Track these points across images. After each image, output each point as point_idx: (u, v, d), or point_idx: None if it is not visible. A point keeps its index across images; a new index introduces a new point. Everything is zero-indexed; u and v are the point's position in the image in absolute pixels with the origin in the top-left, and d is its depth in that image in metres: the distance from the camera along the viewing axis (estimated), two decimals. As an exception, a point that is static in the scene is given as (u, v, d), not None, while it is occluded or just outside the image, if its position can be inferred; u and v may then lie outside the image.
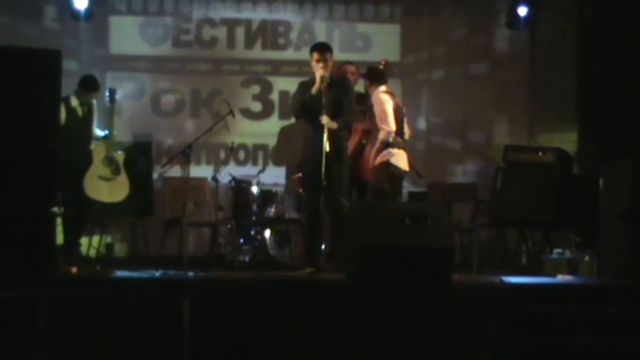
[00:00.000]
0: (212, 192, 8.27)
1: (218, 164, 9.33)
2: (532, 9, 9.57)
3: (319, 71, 7.03)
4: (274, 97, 9.44)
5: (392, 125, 7.10)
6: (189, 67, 9.46)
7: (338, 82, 7.20)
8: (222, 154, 9.34)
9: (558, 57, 9.60)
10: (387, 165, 7.09)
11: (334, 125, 6.95)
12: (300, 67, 9.19)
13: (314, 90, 7.01)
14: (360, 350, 5.79)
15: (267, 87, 9.49)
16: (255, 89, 9.50)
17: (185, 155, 8.24)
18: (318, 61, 7.06)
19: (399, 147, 7.18)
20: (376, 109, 7.21)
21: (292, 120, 9.17)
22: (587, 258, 7.33)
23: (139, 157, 8.59)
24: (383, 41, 9.53)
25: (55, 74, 6.28)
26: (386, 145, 7.09)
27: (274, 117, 9.44)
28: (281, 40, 9.50)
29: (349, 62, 8.07)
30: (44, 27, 9.12)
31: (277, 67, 9.48)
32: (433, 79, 9.68)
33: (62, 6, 9.22)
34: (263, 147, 9.49)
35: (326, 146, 6.83)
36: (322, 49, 7.17)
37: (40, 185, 6.17)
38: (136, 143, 8.82)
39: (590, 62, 9.26)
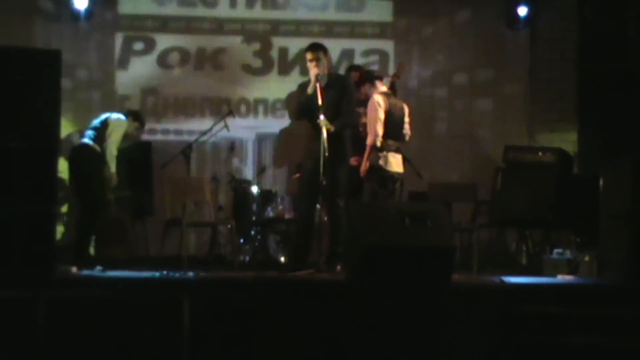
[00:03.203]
0: (212, 192, 8.27)
1: (219, 163, 9.35)
2: (532, 9, 9.57)
3: (312, 70, 7.02)
4: (274, 54, 9.75)
5: (379, 132, 7.06)
6: (194, 25, 9.74)
7: (336, 82, 7.15)
8: (224, 153, 9.35)
9: (558, 57, 9.60)
10: (376, 169, 7.08)
11: (331, 127, 6.93)
12: (297, 26, 9.78)
13: (309, 89, 6.99)
14: (361, 350, 5.79)
15: (266, 45, 9.77)
16: (256, 46, 9.76)
17: (185, 155, 8.24)
18: (311, 60, 7.06)
19: (390, 150, 7.14)
20: (368, 113, 7.20)
21: (290, 121, 9.40)
22: (587, 258, 7.33)
23: (139, 156, 8.61)
24: (376, 3, 9.79)
25: (55, 73, 6.29)
26: (375, 149, 7.08)
27: (274, 73, 9.74)
28: (280, 0, 9.77)
29: (357, 68, 8.01)
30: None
31: (276, 26, 9.78)
32: (431, 77, 9.70)
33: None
34: (263, 101, 9.74)
35: (325, 147, 6.82)
36: (315, 48, 7.16)
37: (40, 185, 6.17)
38: (136, 143, 8.82)
39: (590, 62, 9.26)
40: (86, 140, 7.54)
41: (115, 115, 7.71)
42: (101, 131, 7.59)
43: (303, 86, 7.20)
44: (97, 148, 7.54)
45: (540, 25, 9.67)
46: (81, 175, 7.53)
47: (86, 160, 7.48)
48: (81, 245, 7.43)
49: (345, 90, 7.18)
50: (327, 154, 6.79)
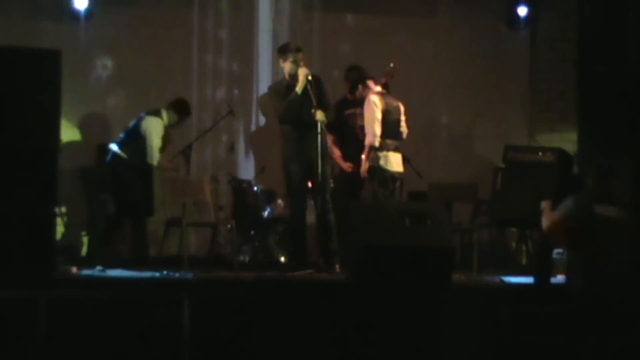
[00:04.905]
0: (212, 192, 8.27)
1: (218, 163, 9.34)
2: (532, 9, 9.57)
3: (301, 70, 7.10)
4: None
5: (377, 132, 7.09)
6: None
7: (315, 80, 7.23)
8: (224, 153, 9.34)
9: (558, 57, 9.59)
10: (377, 169, 7.10)
11: (325, 119, 7.05)
12: None
13: (299, 89, 7.05)
14: (361, 350, 5.80)
15: None
16: None
17: (185, 155, 8.23)
18: (294, 62, 7.15)
19: (389, 150, 7.16)
20: (365, 114, 7.22)
21: (260, 123, 9.29)
22: (587, 258, 7.32)
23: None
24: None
25: (55, 73, 6.29)
26: (374, 149, 7.10)
27: None
28: None
29: (355, 68, 8.04)
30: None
31: None
32: (431, 77, 9.69)
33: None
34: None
35: (328, 143, 6.92)
36: (297, 49, 7.26)
37: (40, 186, 6.18)
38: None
39: (590, 62, 9.25)
40: (116, 149, 7.67)
41: (150, 118, 7.72)
42: (134, 135, 7.69)
43: (278, 87, 7.28)
44: (125, 155, 7.64)
45: (540, 25, 9.66)
46: (120, 184, 7.70)
47: (120, 172, 7.67)
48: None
49: (322, 85, 7.32)
50: (330, 152, 6.92)
